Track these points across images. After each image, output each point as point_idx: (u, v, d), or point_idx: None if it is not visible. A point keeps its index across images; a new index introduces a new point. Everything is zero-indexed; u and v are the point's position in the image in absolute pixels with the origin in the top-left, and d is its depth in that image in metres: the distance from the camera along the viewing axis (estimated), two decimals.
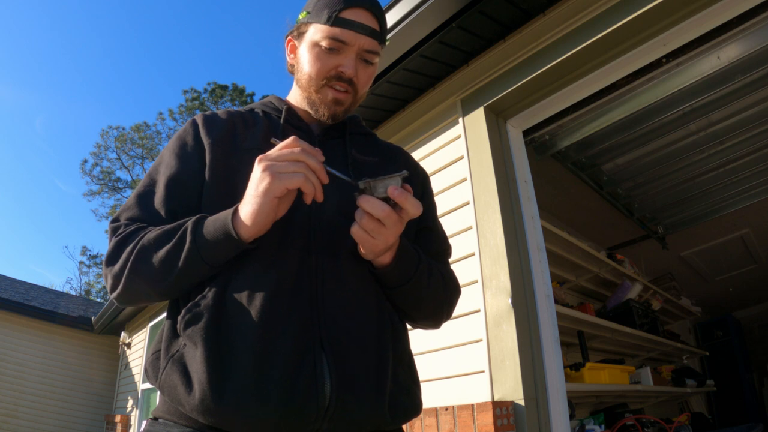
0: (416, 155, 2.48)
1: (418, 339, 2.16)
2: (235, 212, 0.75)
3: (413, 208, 0.74)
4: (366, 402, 0.75)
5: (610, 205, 3.67)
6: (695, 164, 3.32)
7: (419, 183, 1.02)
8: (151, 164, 0.94)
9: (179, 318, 0.78)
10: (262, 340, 0.73)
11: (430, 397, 2.03)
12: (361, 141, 1.01)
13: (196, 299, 0.78)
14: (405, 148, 2.64)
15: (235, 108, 1.00)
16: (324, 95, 0.91)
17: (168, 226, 0.80)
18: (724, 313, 5.88)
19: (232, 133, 0.91)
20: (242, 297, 0.76)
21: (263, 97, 1.06)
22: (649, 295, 3.97)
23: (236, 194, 0.82)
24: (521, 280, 1.96)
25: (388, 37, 2.15)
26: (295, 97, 1.00)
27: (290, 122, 0.95)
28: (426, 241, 0.99)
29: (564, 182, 3.34)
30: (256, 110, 0.99)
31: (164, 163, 0.90)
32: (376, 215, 0.73)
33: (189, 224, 0.78)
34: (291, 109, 0.97)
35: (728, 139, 3.05)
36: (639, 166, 3.32)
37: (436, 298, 0.91)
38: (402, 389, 0.83)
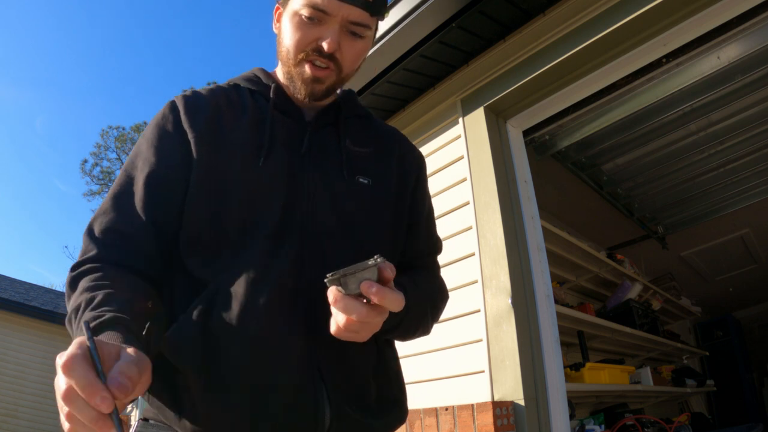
0: None
1: (419, 339, 2.16)
2: None
3: (393, 304, 0.63)
4: (361, 424, 0.75)
5: (610, 205, 3.67)
6: (695, 164, 3.32)
7: (413, 173, 0.95)
8: (132, 151, 0.85)
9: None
10: (257, 376, 0.68)
11: (430, 397, 2.02)
12: (357, 126, 0.93)
13: (181, 320, 0.72)
14: None
15: (219, 84, 0.90)
16: (301, 71, 0.82)
17: (85, 298, 0.66)
18: (724, 313, 5.87)
19: (218, 121, 0.82)
20: (232, 318, 0.70)
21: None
22: (649, 295, 3.97)
23: (223, 198, 0.77)
24: (521, 280, 1.96)
25: (388, 36, 2.15)
26: (280, 72, 0.89)
27: (279, 107, 0.86)
28: (414, 237, 0.93)
29: (564, 182, 3.34)
30: (242, 86, 0.89)
31: (142, 157, 0.81)
32: (356, 317, 0.63)
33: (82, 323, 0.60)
34: (280, 89, 0.87)
35: (728, 139, 3.05)
36: (639, 166, 3.32)
37: (425, 328, 0.88)
38: (393, 404, 0.83)
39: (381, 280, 0.63)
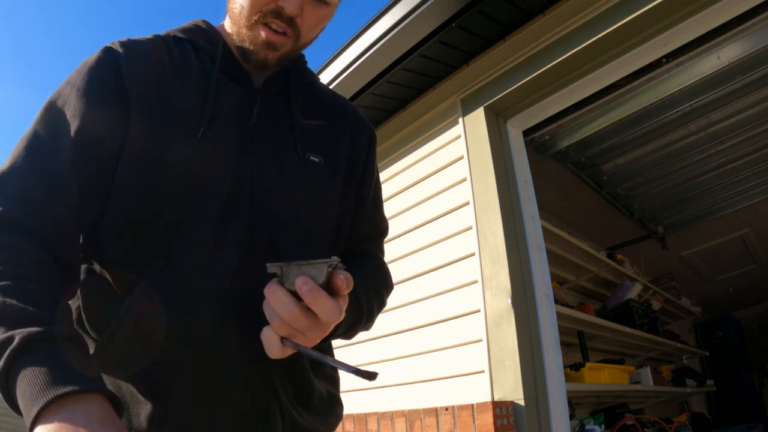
0: (416, 155, 2.49)
1: (419, 339, 2.16)
2: (47, 407, 0.45)
3: (326, 313, 0.53)
4: (309, 430, 0.72)
5: (610, 205, 3.67)
6: (695, 164, 3.33)
7: (364, 148, 0.87)
8: (49, 100, 0.67)
9: (92, 339, 0.64)
10: (204, 389, 0.61)
11: (430, 397, 2.02)
12: (305, 95, 0.83)
13: (114, 326, 0.62)
14: (405, 149, 2.66)
15: (158, 35, 0.77)
16: (255, 34, 0.70)
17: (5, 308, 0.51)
18: (724, 313, 5.87)
19: (159, 79, 0.69)
20: (174, 323, 0.61)
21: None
22: (649, 295, 3.97)
23: (158, 174, 0.64)
24: (521, 280, 1.96)
25: (388, 36, 2.15)
26: (229, 28, 0.77)
27: (225, 69, 0.74)
28: (359, 216, 0.85)
29: (564, 182, 3.34)
30: (184, 40, 0.76)
31: (71, 110, 0.64)
32: (281, 316, 0.55)
33: (10, 349, 0.48)
34: (227, 49, 0.76)
35: (728, 139, 3.05)
36: (639, 166, 3.32)
37: (369, 326, 0.80)
38: (332, 402, 0.79)
39: (330, 286, 0.55)
